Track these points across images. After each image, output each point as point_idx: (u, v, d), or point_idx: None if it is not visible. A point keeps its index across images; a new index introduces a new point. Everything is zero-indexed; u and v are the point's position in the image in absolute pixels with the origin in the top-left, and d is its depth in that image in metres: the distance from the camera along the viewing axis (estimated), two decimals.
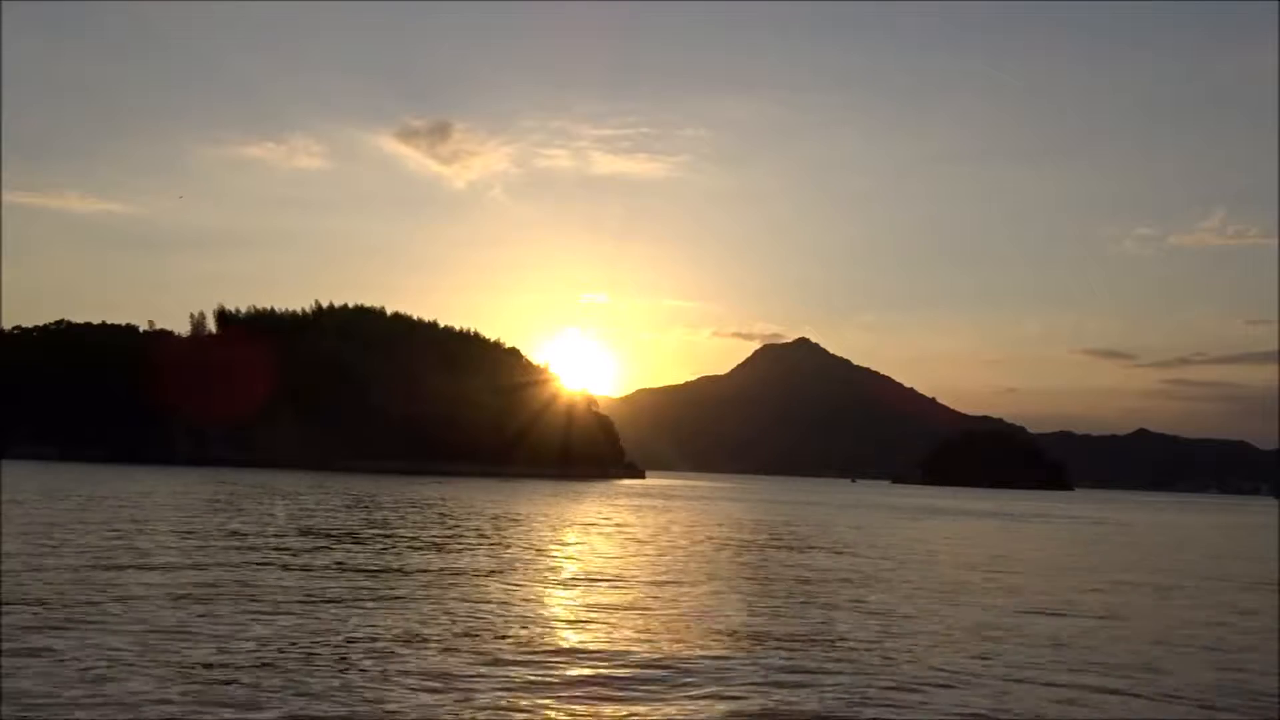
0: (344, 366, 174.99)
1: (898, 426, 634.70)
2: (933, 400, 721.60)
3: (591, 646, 16.21)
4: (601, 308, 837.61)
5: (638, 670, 14.51)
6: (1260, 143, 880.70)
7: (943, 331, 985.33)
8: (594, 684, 13.57)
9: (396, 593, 21.48)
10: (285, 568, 24.92)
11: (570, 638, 16.97)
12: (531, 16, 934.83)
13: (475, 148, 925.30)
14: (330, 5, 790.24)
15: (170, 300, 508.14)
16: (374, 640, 15.82)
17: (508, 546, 34.64)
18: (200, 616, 17.25)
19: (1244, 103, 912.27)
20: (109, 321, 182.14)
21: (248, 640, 15.40)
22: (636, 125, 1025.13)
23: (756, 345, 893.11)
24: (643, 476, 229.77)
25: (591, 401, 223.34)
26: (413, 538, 36.16)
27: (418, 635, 16.42)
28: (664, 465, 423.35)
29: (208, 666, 13.53)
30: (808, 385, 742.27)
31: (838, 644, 17.37)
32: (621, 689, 13.33)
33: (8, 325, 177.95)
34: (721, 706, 12.69)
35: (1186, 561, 43.21)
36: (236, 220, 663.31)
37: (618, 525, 50.59)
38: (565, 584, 24.89)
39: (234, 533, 34.62)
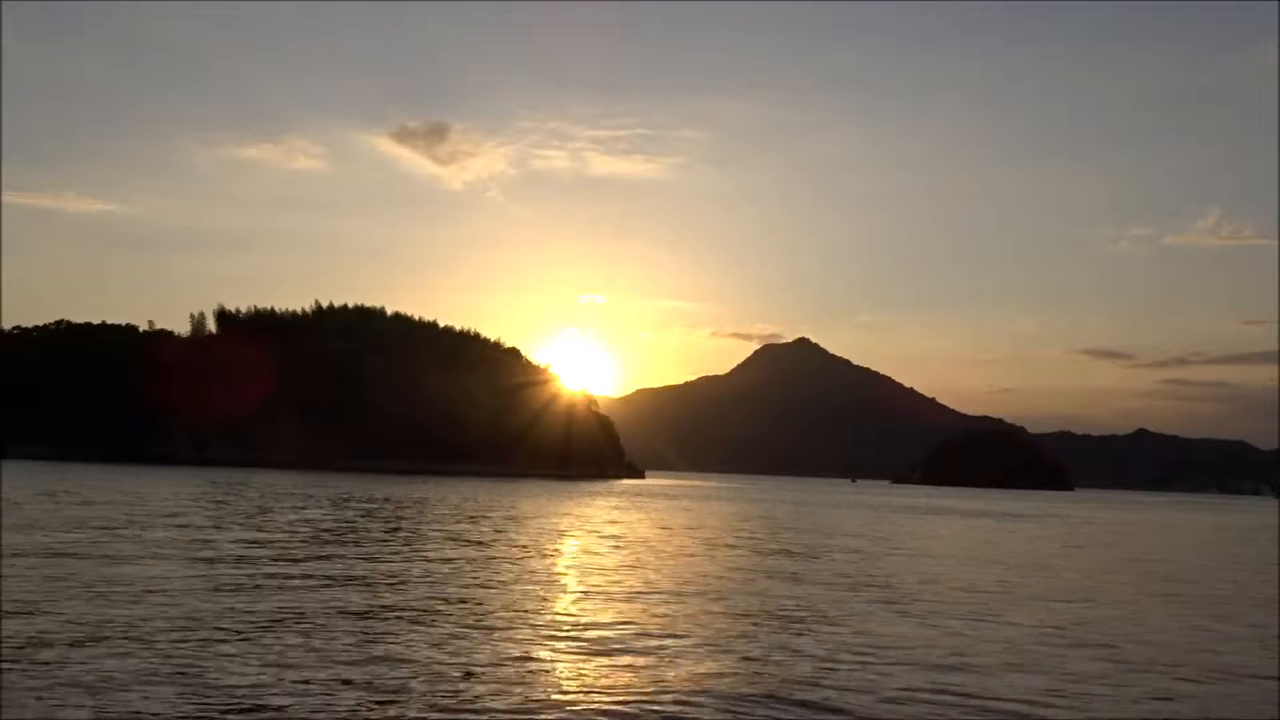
0: (344, 366, 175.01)
1: (898, 426, 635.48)
2: (932, 400, 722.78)
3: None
4: (600, 308, 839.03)
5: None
6: (1255, 143, 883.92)
7: (940, 331, 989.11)
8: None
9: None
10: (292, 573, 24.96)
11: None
12: (528, 18, 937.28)
13: (472, 149, 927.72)
14: (328, 6, 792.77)
15: (170, 300, 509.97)
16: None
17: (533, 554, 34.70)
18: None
19: (1239, 103, 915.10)
20: (109, 321, 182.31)
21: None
22: (633, 126, 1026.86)
23: (756, 345, 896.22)
24: (642, 476, 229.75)
25: (591, 401, 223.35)
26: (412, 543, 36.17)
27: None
28: (664, 465, 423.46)
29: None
30: (807, 385, 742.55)
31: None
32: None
33: (8, 325, 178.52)
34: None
35: (1182, 561, 43.26)
36: (236, 220, 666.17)
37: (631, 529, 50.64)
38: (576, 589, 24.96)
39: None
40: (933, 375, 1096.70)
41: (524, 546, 35.14)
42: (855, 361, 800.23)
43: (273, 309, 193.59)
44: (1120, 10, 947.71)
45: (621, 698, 13.03)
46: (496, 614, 19.22)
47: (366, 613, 18.68)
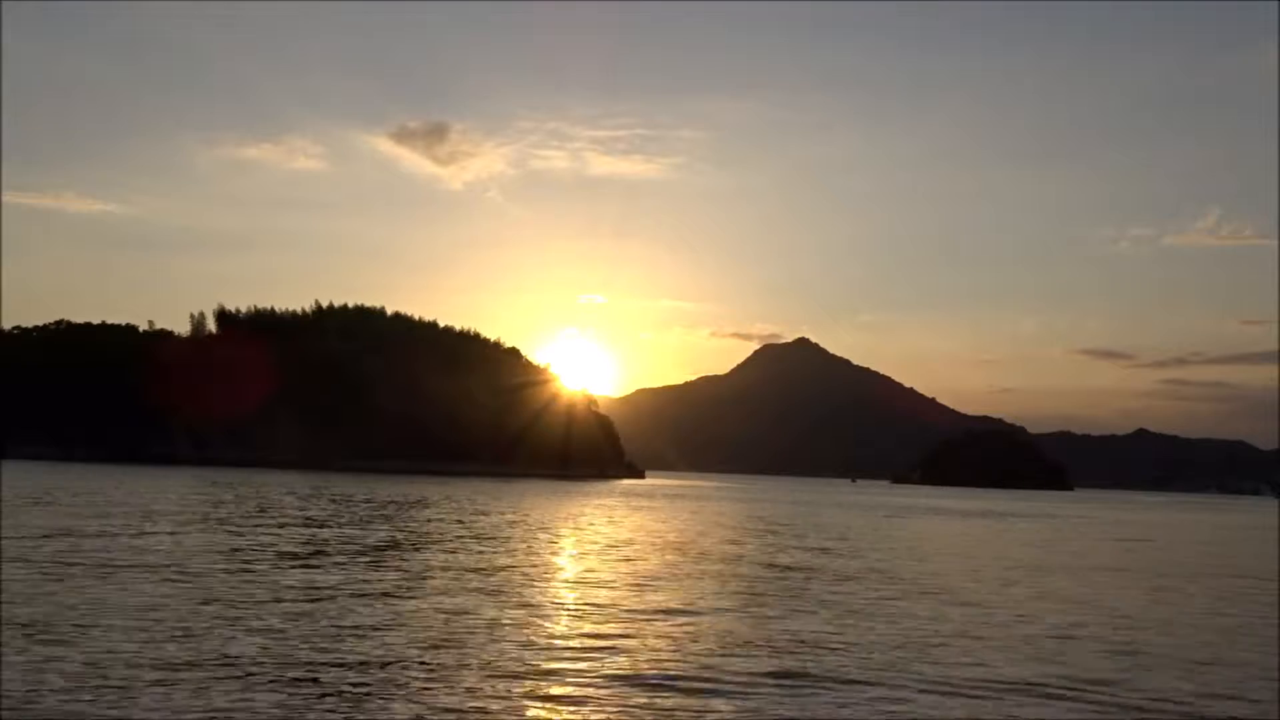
0: (344, 366, 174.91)
1: (898, 426, 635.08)
2: (932, 400, 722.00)
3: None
4: (600, 308, 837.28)
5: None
6: (1255, 143, 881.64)
7: (940, 331, 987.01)
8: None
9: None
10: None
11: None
12: (528, 18, 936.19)
13: (472, 149, 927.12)
14: (328, 6, 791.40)
15: (170, 300, 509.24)
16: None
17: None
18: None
19: (1239, 103, 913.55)
20: (109, 321, 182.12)
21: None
22: (632, 127, 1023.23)
23: (755, 345, 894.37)
24: (642, 476, 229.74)
25: (591, 401, 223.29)
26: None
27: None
28: (664, 465, 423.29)
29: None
30: (807, 385, 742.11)
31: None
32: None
33: (8, 325, 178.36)
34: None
35: (1183, 561, 43.30)
36: (236, 220, 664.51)
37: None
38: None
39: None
40: (933, 375, 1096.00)
41: (528, 547, 35.19)
42: (855, 361, 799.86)
43: (273, 309, 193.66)
44: (1120, 10, 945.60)
45: (632, 697, 13.08)
46: (503, 616, 19.27)
47: (371, 617, 18.72)
